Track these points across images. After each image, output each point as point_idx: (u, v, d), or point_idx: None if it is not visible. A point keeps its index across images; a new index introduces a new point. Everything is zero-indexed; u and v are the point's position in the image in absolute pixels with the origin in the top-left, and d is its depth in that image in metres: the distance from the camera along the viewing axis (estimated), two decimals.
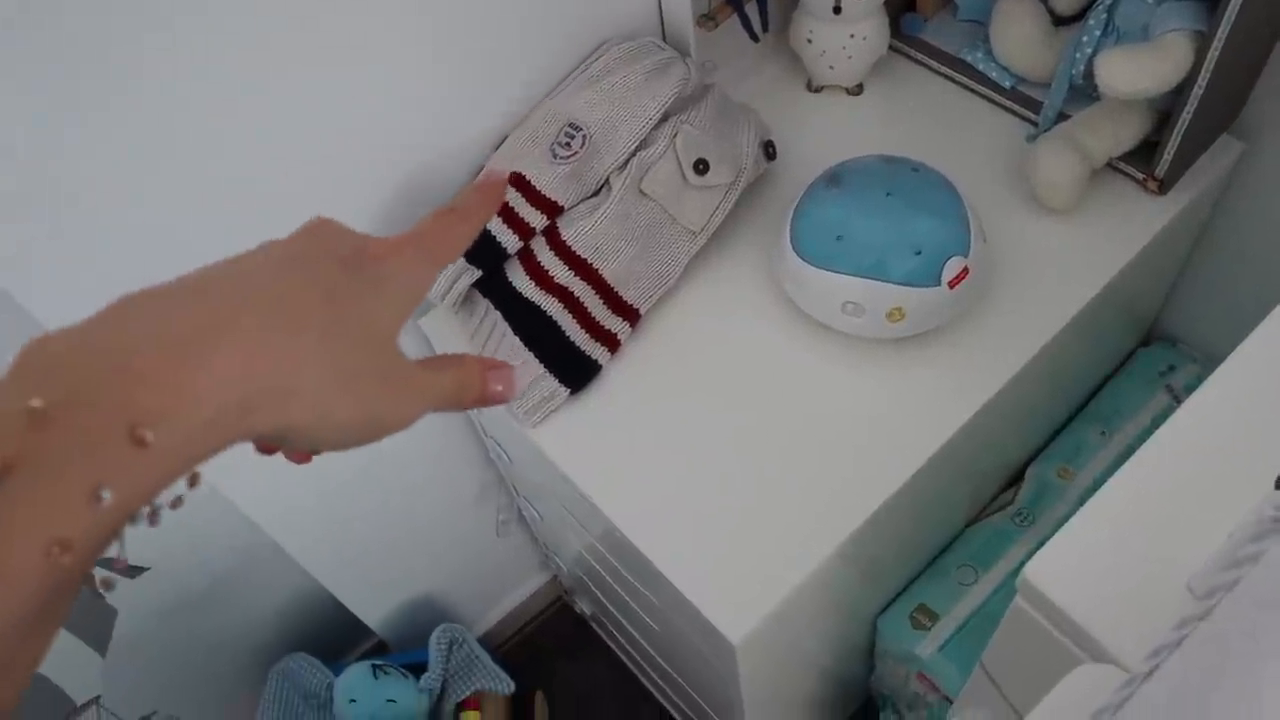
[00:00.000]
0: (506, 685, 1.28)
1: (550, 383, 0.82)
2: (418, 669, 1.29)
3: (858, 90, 0.99)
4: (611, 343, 0.84)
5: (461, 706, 1.29)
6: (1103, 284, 0.83)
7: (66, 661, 1.10)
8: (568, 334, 0.83)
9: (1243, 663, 0.38)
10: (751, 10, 0.93)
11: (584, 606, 1.42)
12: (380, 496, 1.13)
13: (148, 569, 1.09)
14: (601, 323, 0.84)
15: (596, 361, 0.84)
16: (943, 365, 0.81)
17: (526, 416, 0.82)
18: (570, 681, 1.51)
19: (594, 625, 1.49)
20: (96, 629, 1.11)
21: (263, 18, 0.67)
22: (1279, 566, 0.40)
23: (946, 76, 0.98)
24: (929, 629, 1.00)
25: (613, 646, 1.48)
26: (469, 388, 0.38)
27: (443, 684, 1.28)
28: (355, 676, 1.24)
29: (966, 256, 0.77)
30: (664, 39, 0.92)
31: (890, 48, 0.99)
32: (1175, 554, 0.49)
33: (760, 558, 0.74)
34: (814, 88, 1.00)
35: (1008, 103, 0.94)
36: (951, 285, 0.77)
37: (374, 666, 1.25)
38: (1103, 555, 0.51)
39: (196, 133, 0.70)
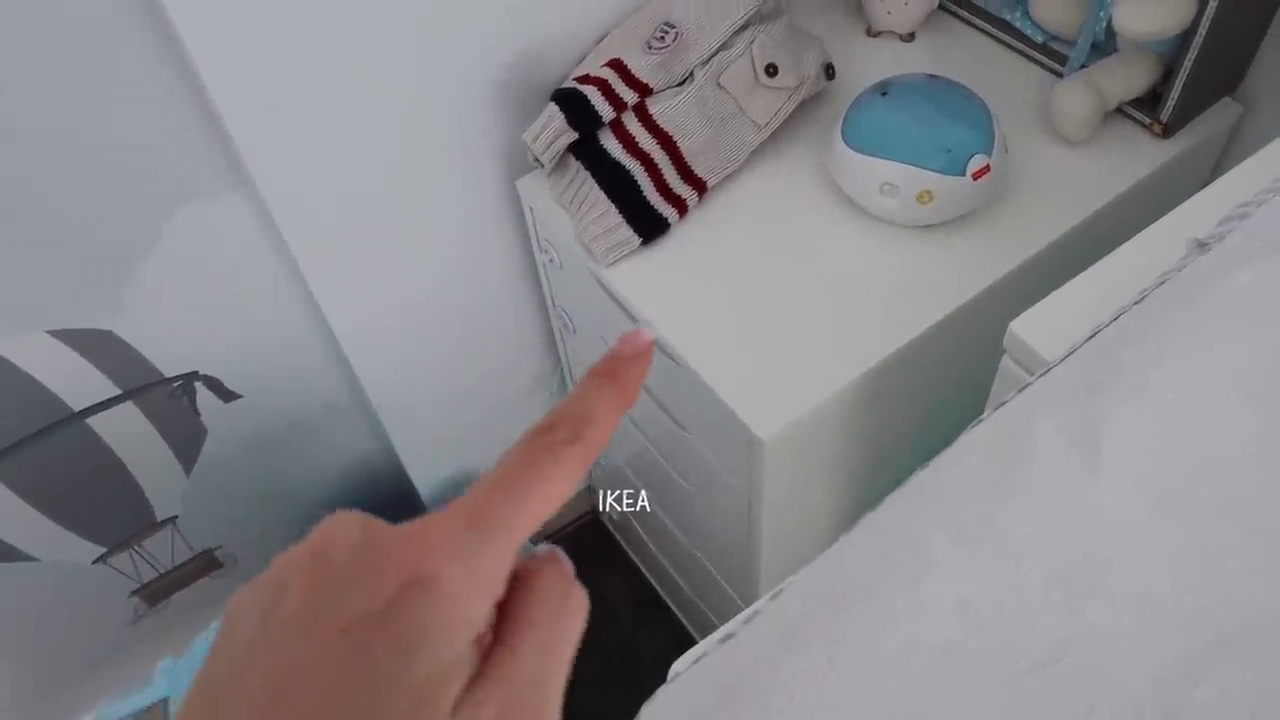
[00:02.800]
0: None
1: (626, 230, 0.97)
2: None
3: (910, 38, 1.15)
4: (681, 206, 0.99)
5: None
6: (1103, 203, 0.97)
7: (156, 471, 1.24)
8: (645, 193, 0.98)
9: (1152, 317, 0.52)
10: None
11: (614, 508, 1.56)
12: (452, 361, 1.27)
13: (241, 396, 1.23)
14: (674, 189, 0.99)
15: (667, 219, 0.98)
16: (957, 250, 0.95)
17: (605, 255, 0.97)
18: (589, 583, 1.63)
19: (619, 538, 1.63)
20: (188, 445, 1.25)
21: None
22: (1193, 269, 0.54)
23: (987, 32, 1.13)
24: None
25: (635, 559, 1.61)
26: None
27: None
28: None
29: (990, 156, 0.92)
30: None
31: (940, 6, 1.14)
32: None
33: (792, 374, 0.88)
34: (872, 33, 1.16)
35: (1039, 56, 1.09)
36: (975, 178, 0.91)
37: None
38: (1079, 312, 0.65)
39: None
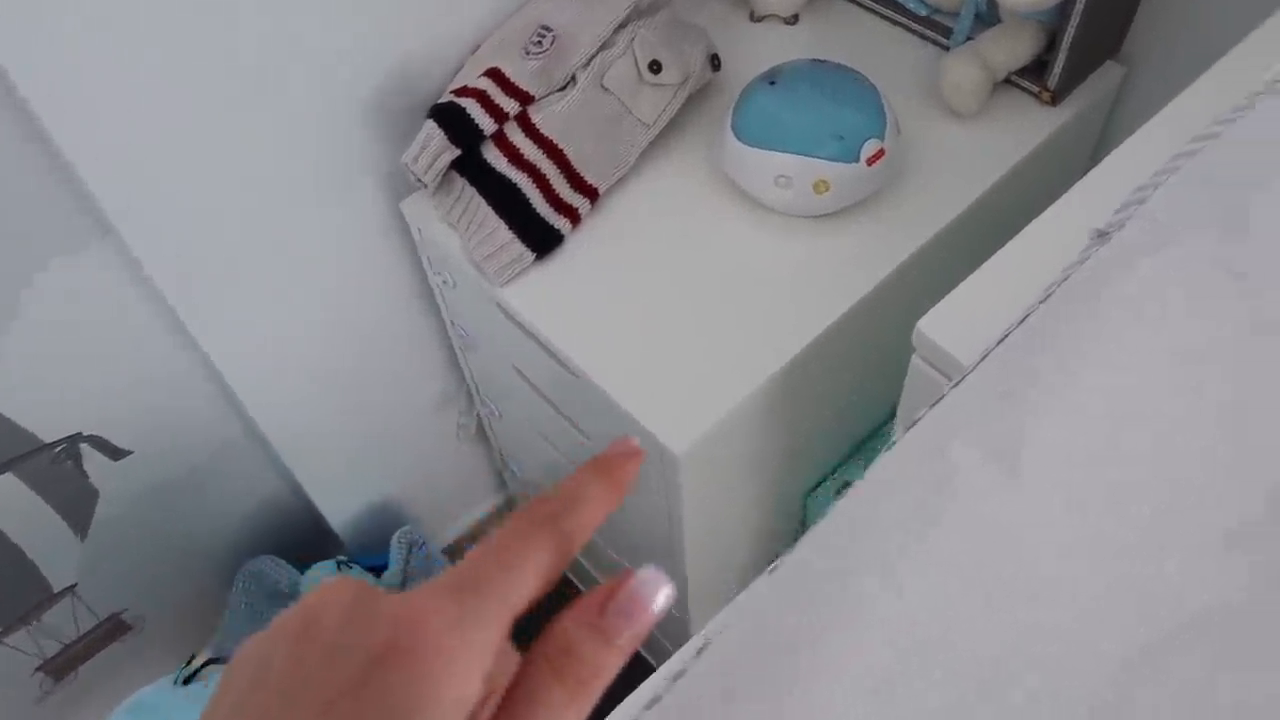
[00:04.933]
0: None
1: (518, 247, 0.93)
2: (376, 571, 1.38)
3: (794, 20, 1.12)
4: (573, 216, 0.95)
5: None
6: (999, 175, 0.95)
7: (47, 541, 1.17)
8: (535, 206, 0.94)
9: (1061, 319, 0.50)
10: None
11: None
12: (351, 391, 1.22)
13: (131, 452, 1.17)
14: (565, 198, 0.95)
15: (560, 231, 0.94)
16: (858, 236, 0.93)
17: (497, 276, 0.93)
18: None
19: None
20: (79, 509, 1.18)
21: None
22: (1096, 261, 0.52)
23: (871, 9, 1.11)
24: None
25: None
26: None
27: (402, 582, 1.36)
28: (322, 571, 1.33)
29: (883, 140, 0.90)
30: None
31: None
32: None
33: (701, 382, 0.86)
34: (755, 17, 1.13)
35: (924, 30, 1.07)
36: (869, 163, 0.89)
37: (338, 562, 1.34)
38: (989, 309, 0.63)
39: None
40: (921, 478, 0.46)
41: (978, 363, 0.51)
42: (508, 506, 1.63)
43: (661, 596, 0.28)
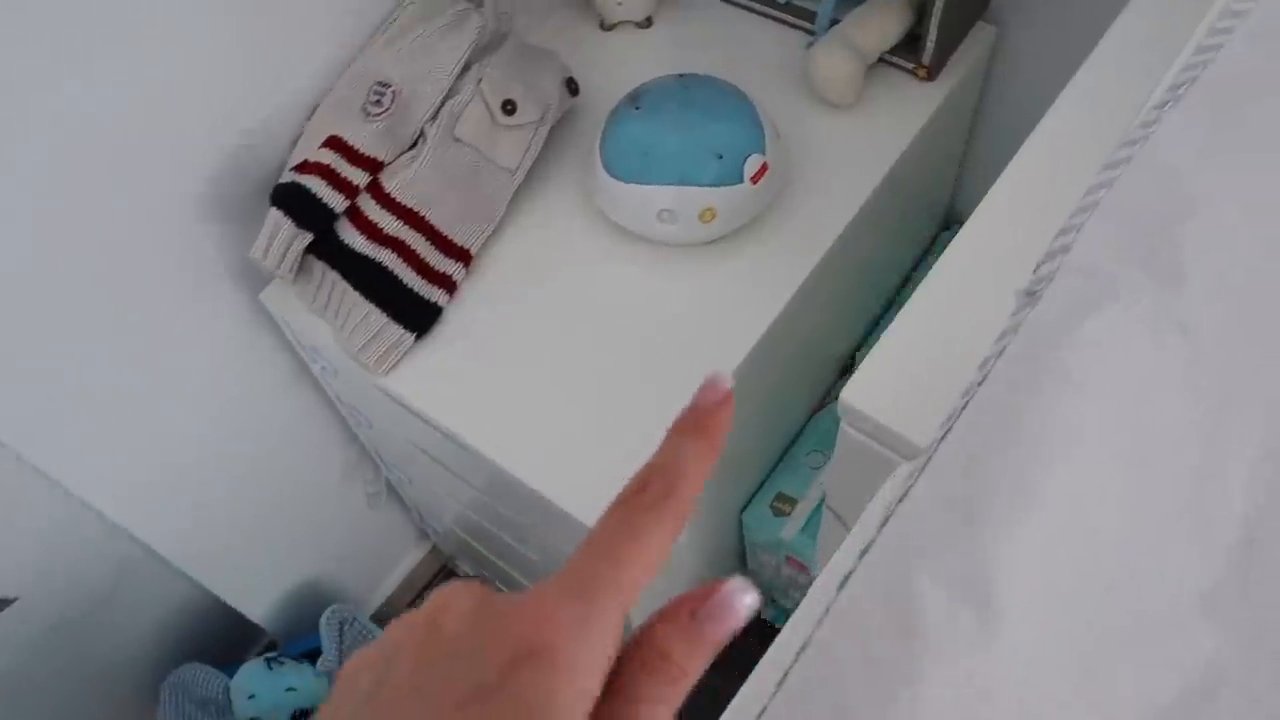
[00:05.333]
0: None
1: (395, 330, 0.85)
2: (313, 656, 1.30)
3: (647, 23, 1.05)
4: (448, 284, 0.88)
5: None
6: (890, 164, 0.91)
7: None
8: (405, 281, 0.86)
9: (1008, 410, 0.45)
10: None
11: (468, 569, 1.45)
12: (248, 485, 1.13)
13: (16, 599, 1.07)
14: (436, 267, 0.87)
15: (436, 304, 0.87)
16: (755, 258, 0.87)
17: (377, 365, 0.85)
18: None
19: None
20: None
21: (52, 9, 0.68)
22: (1031, 327, 0.47)
23: (727, 1, 1.04)
24: (789, 514, 1.07)
25: None
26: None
27: (339, 663, 1.29)
28: (250, 673, 1.24)
29: (764, 154, 0.84)
30: None
31: None
32: (973, 359, 0.56)
33: (620, 455, 0.79)
34: (606, 25, 1.05)
35: (786, 17, 1.01)
36: (754, 180, 0.83)
37: (267, 660, 1.25)
38: (910, 368, 0.58)
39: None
40: (887, 627, 0.41)
41: (923, 465, 0.46)
42: (435, 557, 1.56)
43: (749, 600, 0.28)
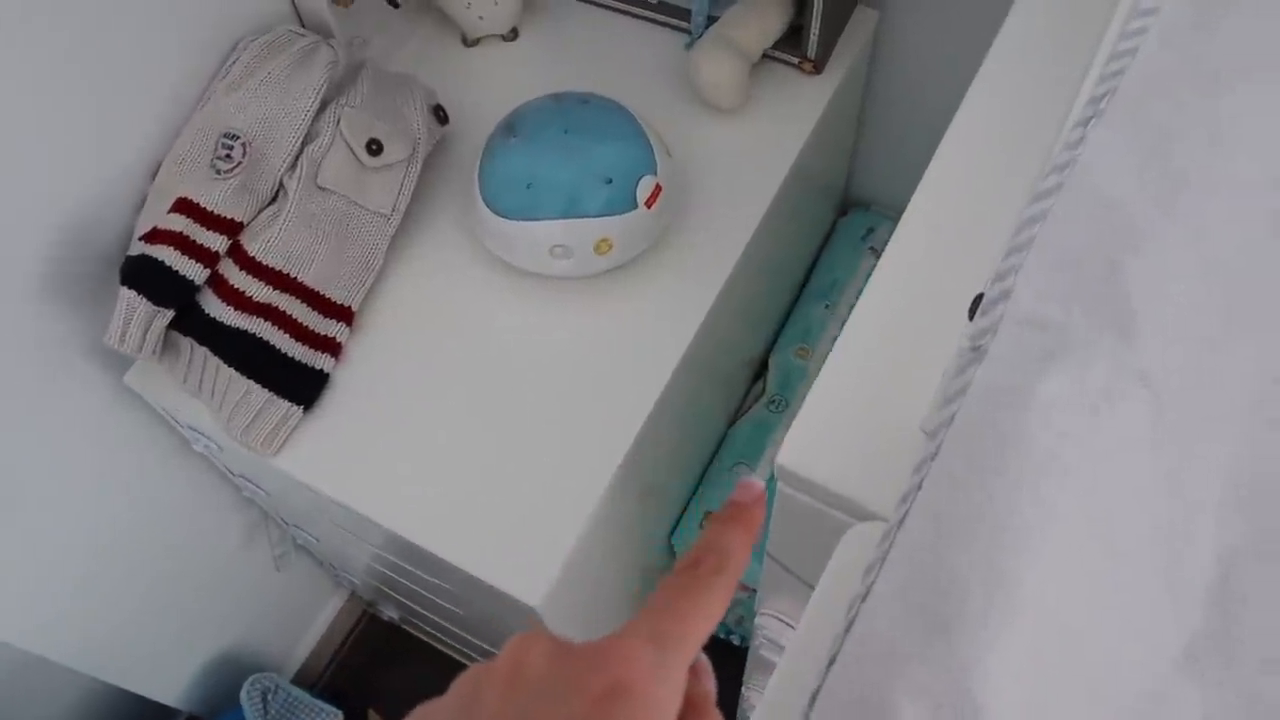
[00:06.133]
0: (335, 714, 1.24)
1: (280, 405, 0.78)
2: None
3: (513, 35, 0.98)
4: (332, 348, 0.81)
5: None
6: (788, 166, 0.87)
7: None
8: (284, 351, 0.79)
9: (969, 491, 0.41)
10: None
11: (391, 612, 1.39)
12: (138, 569, 1.05)
13: None
14: (316, 330, 0.80)
15: (322, 371, 0.80)
16: (661, 283, 0.83)
17: (265, 446, 0.78)
18: (400, 689, 1.47)
19: (407, 627, 1.46)
20: None
21: None
22: (981, 389, 0.43)
23: (595, 3, 0.98)
24: None
25: (431, 642, 1.45)
26: None
27: None
28: None
29: (656, 174, 0.79)
30: (302, 25, 0.87)
31: None
32: (911, 400, 0.53)
33: (538, 515, 0.74)
34: (469, 41, 0.99)
35: (659, 17, 0.96)
36: (649, 204, 0.78)
37: None
38: (845, 422, 0.54)
39: None
40: None
41: (883, 557, 0.42)
42: (355, 603, 1.48)
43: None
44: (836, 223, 1.19)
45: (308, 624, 1.43)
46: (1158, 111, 0.49)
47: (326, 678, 1.48)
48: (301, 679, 1.43)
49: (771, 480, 1.06)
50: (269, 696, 1.23)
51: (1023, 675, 0.38)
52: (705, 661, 0.32)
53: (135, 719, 1.26)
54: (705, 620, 0.30)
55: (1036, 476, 0.40)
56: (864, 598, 0.41)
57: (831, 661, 0.41)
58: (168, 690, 1.20)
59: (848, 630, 0.41)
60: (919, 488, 0.43)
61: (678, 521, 1.06)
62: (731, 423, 1.10)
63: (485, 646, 1.17)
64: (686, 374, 0.81)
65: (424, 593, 1.01)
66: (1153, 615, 0.39)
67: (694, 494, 1.07)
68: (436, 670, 1.45)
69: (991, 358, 0.44)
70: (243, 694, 1.20)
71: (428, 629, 1.35)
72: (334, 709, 1.23)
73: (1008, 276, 0.46)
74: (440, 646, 1.43)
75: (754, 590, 1.04)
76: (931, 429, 0.45)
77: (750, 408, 1.10)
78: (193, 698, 1.24)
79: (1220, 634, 0.39)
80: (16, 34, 0.68)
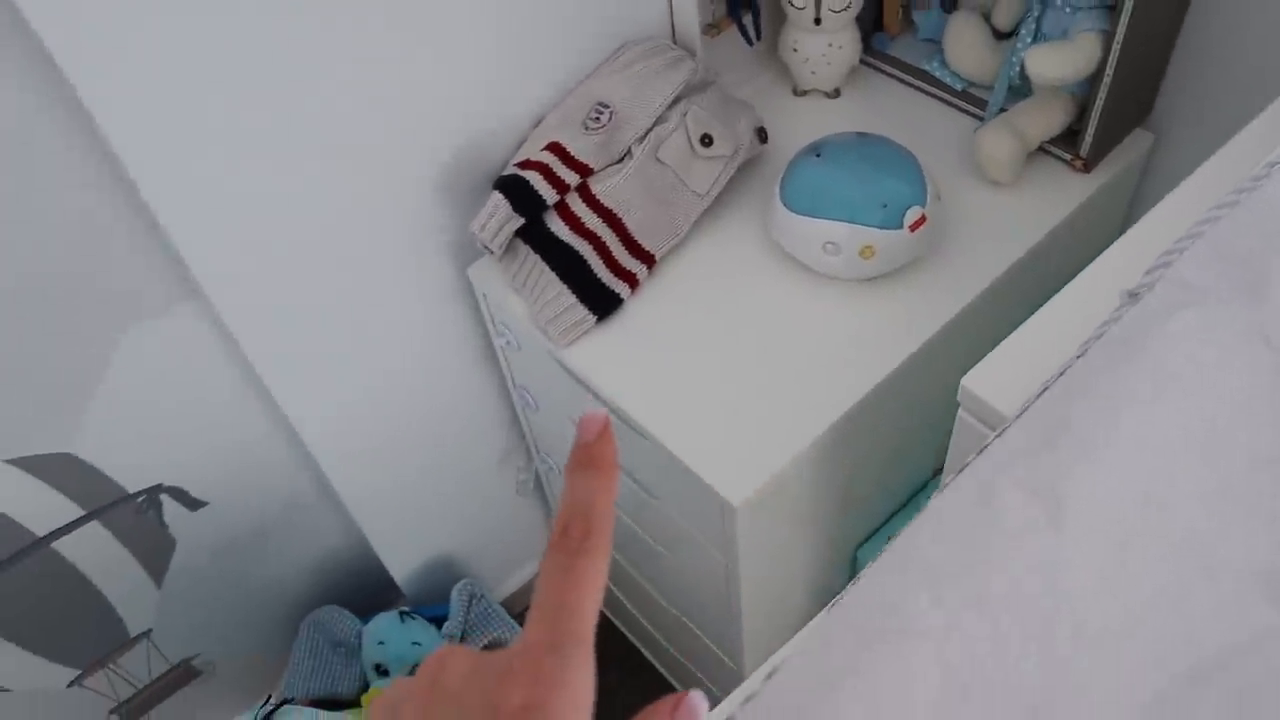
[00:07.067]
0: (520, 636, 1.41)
1: (580, 310, 0.99)
2: (437, 622, 1.42)
3: (835, 94, 1.18)
4: (632, 281, 1.01)
5: None
6: (1036, 240, 1.00)
7: (127, 587, 1.22)
8: (596, 272, 1.00)
9: (1094, 376, 0.54)
10: (747, 21, 1.13)
11: None
12: (420, 446, 1.28)
13: (207, 504, 1.23)
14: (623, 264, 1.01)
15: (619, 295, 1.00)
16: (903, 298, 0.98)
17: (560, 338, 0.99)
18: None
19: (605, 610, 1.63)
20: (157, 558, 1.24)
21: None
22: (1128, 320, 0.57)
23: (909, 84, 1.17)
24: None
25: (616, 623, 1.61)
26: None
27: (462, 634, 1.41)
28: (385, 621, 1.37)
29: (924, 207, 0.95)
30: (674, 41, 1.11)
31: (862, 61, 1.19)
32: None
33: (757, 436, 0.90)
34: (799, 92, 1.19)
35: (960, 103, 1.13)
36: (912, 229, 0.95)
37: (401, 613, 1.38)
38: (1026, 363, 0.67)
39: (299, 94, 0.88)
40: (970, 517, 0.51)
41: (1020, 413, 0.56)
42: None
43: (705, 709, 0.32)
44: None
45: (518, 567, 1.63)
46: None
47: (520, 620, 1.67)
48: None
49: None
50: (474, 601, 1.42)
51: (1098, 493, 0.50)
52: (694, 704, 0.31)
53: (363, 587, 1.49)
54: (590, 598, 0.31)
55: (1156, 372, 0.53)
56: (1000, 433, 0.55)
57: (961, 470, 0.54)
58: (400, 566, 1.42)
59: (980, 452, 0.55)
60: (1058, 376, 0.57)
61: (868, 538, 1.19)
62: (937, 473, 1.22)
63: (667, 608, 1.32)
64: (900, 383, 0.95)
65: (633, 525, 1.18)
66: (1239, 521, 0.49)
67: (890, 518, 1.19)
68: (611, 652, 1.61)
69: (1143, 302, 0.57)
70: (455, 589, 1.40)
71: (618, 602, 1.51)
72: (521, 630, 1.41)
73: (1173, 254, 0.59)
74: (623, 627, 1.59)
75: None
76: (1082, 344, 0.58)
77: None
78: (411, 581, 1.46)
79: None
80: (471, 19, 0.94)
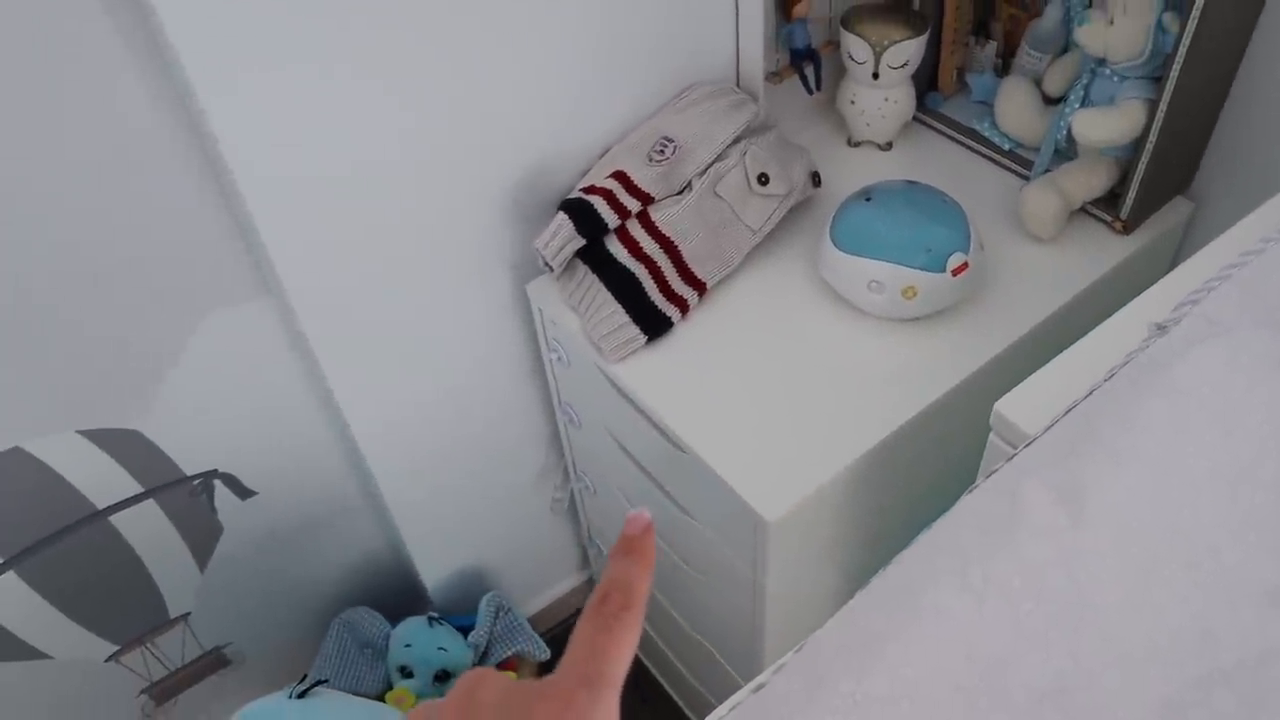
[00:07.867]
0: (543, 651, 1.45)
1: (632, 329, 1.04)
2: (464, 631, 1.46)
3: (888, 147, 1.24)
4: (683, 306, 1.06)
5: (500, 667, 1.46)
6: (1073, 295, 1.05)
7: (173, 568, 1.27)
8: (649, 294, 1.05)
9: (1120, 397, 0.58)
10: (809, 72, 1.19)
11: None
12: (464, 456, 1.33)
13: (256, 493, 1.28)
14: (676, 289, 1.06)
15: (670, 318, 1.05)
16: (942, 340, 1.02)
17: (613, 352, 1.04)
18: None
19: None
20: (204, 542, 1.29)
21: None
22: (1154, 350, 0.61)
23: (958, 141, 1.22)
24: None
25: (645, 660, 1.64)
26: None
27: (487, 644, 1.44)
28: (413, 625, 1.41)
29: (967, 254, 1.00)
30: (738, 85, 1.17)
31: (915, 117, 1.24)
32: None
33: (793, 458, 0.94)
34: (853, 143, 1.25)
35: (1007, 162, 1.18)
36: (954, 274, 0.99)
37: (429, 618, 1.42)
38: (1057, 392, 0.71)
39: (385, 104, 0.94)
40: (998, 513, 0.55)
41: (1049, 426, 0.60)
42: (589, 586, 1.70)
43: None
44: None
45: (546, 586, 1.67)
46: None
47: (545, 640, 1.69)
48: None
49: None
50: (500, 614, 1.46)
51: (1124, 502, 0.54)
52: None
53: (395, 593, 1.53)
54: (623, 654, 0.34)
55: (1175, 390, 0.57)
56: (1029, 443, 0.59)
57: (991, 473, 0.58)
58: (433, 573, 1.46)
59: (1009, 459, 0.58)
60: (1086, 396, 0.61)
61: None
62: None
63: (688, 632, 1.35)
64: (937, 417, 0.99)
65: (662, 544, 1.21)
66: (1255, 532, 0.53)
67: None
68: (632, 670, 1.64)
69: (1170, 334, 0.61)
70: (484, 600, 1.43)
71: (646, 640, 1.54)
72: (544, 645, 1.44)
73: (1202, 293, 0.63)
74: (642, 654, 1.61)
75: None
76: (1109, 369, 0.62)
77: None
78: (441, 590, 1.50)
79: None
80: (560, 53, 1.01)
